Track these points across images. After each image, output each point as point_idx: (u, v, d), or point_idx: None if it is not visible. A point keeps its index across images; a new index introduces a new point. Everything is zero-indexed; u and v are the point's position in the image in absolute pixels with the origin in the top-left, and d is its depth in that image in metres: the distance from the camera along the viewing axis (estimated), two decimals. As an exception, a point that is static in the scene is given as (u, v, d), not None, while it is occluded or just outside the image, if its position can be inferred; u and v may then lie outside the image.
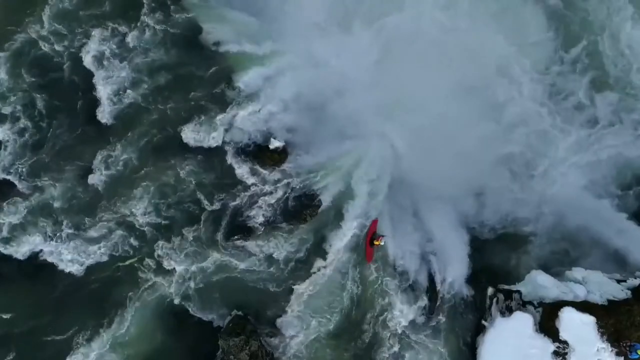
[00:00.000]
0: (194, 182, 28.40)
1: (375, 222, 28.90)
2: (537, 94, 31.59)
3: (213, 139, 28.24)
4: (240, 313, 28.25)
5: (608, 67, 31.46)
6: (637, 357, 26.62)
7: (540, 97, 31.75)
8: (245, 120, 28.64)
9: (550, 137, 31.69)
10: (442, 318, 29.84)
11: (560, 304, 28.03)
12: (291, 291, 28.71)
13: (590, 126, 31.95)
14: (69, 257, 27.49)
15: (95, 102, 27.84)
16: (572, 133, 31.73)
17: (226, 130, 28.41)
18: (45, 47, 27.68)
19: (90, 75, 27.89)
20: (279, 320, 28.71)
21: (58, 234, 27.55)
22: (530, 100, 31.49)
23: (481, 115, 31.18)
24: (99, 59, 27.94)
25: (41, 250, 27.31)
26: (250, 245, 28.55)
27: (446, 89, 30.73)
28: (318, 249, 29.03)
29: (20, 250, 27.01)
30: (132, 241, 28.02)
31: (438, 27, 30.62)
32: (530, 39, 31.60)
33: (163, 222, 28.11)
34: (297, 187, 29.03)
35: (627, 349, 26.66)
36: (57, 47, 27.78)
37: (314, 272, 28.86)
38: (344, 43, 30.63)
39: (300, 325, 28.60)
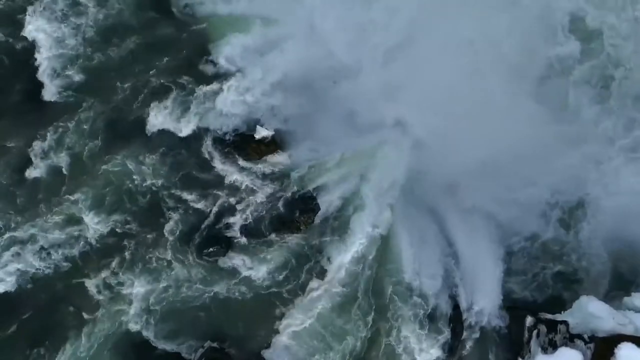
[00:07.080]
0: (159, 179, 26.86)
1: None
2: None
3: (185, 126, 27.01)
4: (215, 345, 26.32)
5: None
6: None
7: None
8: (225, 103, 27.35)
9: (614, 130, 29.24)
10: (468, 354, 27.60)
11: (616, 339, 25.93)
12: (280, 317, 26.76)
13: None
14: None
15: (37, 77, 26.76)
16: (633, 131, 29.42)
17: (202, 115, 27.21)
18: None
19: (31, 42, 26.86)
20: (264, 354, 26.46)
21: (-15, 242, 26.37)
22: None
23: (526, 99, 28.45)
24: (42, 22, 26.82)
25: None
26: (229, 260, 26.79)
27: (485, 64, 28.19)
28: (314, 265, 27.12)
29: None
30: (81, 253, 26.14)
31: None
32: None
33: (119, 229, 26.38)
34: (289, 187, 27.32)
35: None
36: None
37: (309, 294, 26.91)
38: (351, 13, 28.72)
39: (291, 360, 26.92)
